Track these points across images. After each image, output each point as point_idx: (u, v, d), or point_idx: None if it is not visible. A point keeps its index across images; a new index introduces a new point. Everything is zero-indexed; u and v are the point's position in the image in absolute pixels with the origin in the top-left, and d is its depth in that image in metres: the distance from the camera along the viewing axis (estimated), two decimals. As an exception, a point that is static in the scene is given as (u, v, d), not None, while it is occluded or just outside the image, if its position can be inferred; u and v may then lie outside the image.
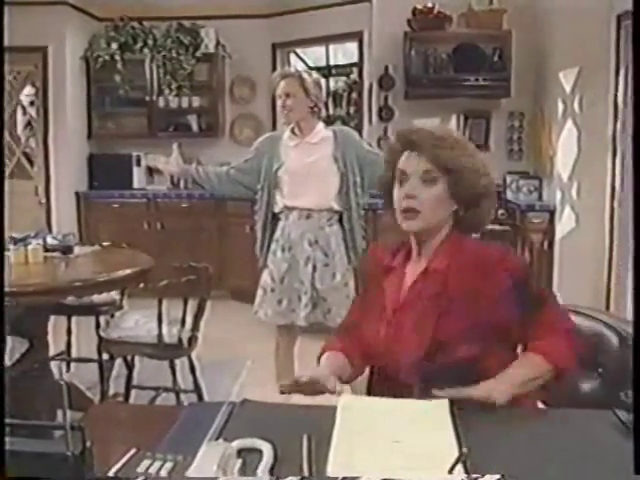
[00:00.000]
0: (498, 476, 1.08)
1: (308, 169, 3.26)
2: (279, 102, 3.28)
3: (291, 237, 3.27)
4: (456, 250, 1.66)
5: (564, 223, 4.93)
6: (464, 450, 1.16)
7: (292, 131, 3.33)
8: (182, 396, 3.54)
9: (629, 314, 4.53)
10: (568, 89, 4.86)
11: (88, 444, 0.98)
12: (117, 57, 6.25)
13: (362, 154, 3.27)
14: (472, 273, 1.60)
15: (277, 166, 3.28)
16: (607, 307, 4.81)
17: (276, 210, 3.32)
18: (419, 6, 5.21)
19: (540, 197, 5.18)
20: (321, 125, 3.34)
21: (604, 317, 1.80)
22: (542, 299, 1.64)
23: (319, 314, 3.24)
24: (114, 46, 6.27)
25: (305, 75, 3.28)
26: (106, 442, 1.25)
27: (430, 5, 5.21)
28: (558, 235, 4.93)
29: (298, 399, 1.51)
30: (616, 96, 4.70)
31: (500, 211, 5.03)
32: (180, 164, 3.53)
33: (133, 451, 1.17)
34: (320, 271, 3.24)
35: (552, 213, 4.94)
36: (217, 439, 1.26)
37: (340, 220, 3.31)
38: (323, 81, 3.50)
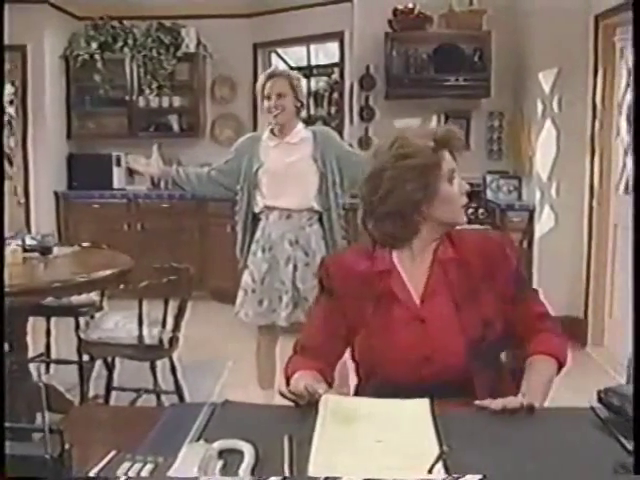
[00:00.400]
0: (480, 476, 1.08)
1: (287, 169, 3.25)
2: (269, 102, 3.22)
3: (271, 237, 3.26)
4: (450, 238, 1.72)
5: (543, 222, 4.97)
6: (444, 449, 1.17)
7: (272, 131, 3.32)
8: (163, 397, 3.52)
9: (607, 312, 4.60)
10: (547, 89, 4.90)
11: (67, 447, 0.97)
12: (97, 56, 6.22)
13: (342, 155, 3.28)
14: (488, 255, 1.69)
15: (257, 166, 3.27)
16: (585, 305, 4.86)
17: (256, 210, 3.31)
18: (400, 6, 5.23)
19: (520, 196, 5.22)
20: (301, 125, 3.34)
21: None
22: (526, 280, 1.81)
23: (300, 314, 3.24)
24: (94, 45, 6.24)
25: (293, 74, 3.29)
26: (86, 444, 1.24)
27: (411, 6, 5.23)
28: (537, 234, 4.97)
29: (280, 400, 1.50)
30: (594, 96, 4.75)
31: (480, 210, 5.06)
32: (160, 165, 3.51)
33: (113, 453, 1.16)
34: (301, 271, 3.23)
35: (531, 212, 4.98)
36: (198, 440, 1.25)
37: (320, 220, 3.31)
38: (304, 81, 3.50)
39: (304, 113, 6.61)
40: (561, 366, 1.67)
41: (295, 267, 3.24)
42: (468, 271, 1.69)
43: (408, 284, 1.71)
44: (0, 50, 1.26)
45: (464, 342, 1.63)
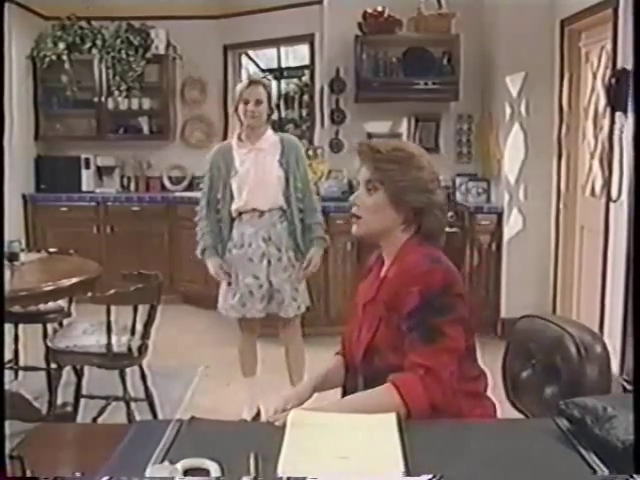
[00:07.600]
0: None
1: (259, 174, 3.40)
2: (246, 106, 3.34)
3: (245, 235, 3.41)
4: (402, 259, 1.72)
5: (511, 225, 5.03)
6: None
7: (239, 138, 3.45)
8: (133, 405, 3.48)
9: (574, 314, 4.66)
10: (515, 93, 4.96)
11: (28, 473, 0.96)
12: (64, 57, 6.13)
13: (300, 163, 3.46)
14: (397, 283, 1.68)
15: (233, 174, 3.40)
16: (553, 306, 4.94)
17: (233, 214, 3.44)
18: (369, 10, 5.24)
19: (488, 199, 5.27)
20: (270, 131, 3.49)
21: (567, 325, 1.79)
22: (437, 334, 1.60)
23: (275, 306, 3.43)
24: (61, 46, 6.14)
25: (266, 82, 3.43)
26: (50, 465, 1.23)
27: (380, 9, 5.23)
28: (506, 237, 5.03)
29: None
30: (561, 100, 4.81)
31: (449, 213, 5.10)
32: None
33: (77, 475, 1.16)
34: (274, 266, 3.40)
35: (500, 215, 5.03)
36: (164, 459, 1.25)
37: (286, 217, 3.45)
38: (275, 83, 3.62)
39: (275, 116, 6.62)
40: (410, 411, 1.51)
41: (269, 262, 3.39)
42: (387, 296, 1.69)
43: (372, 287, 1.84)
44: (0, 50, 1.26)
45: (357, 360, 1.75)
